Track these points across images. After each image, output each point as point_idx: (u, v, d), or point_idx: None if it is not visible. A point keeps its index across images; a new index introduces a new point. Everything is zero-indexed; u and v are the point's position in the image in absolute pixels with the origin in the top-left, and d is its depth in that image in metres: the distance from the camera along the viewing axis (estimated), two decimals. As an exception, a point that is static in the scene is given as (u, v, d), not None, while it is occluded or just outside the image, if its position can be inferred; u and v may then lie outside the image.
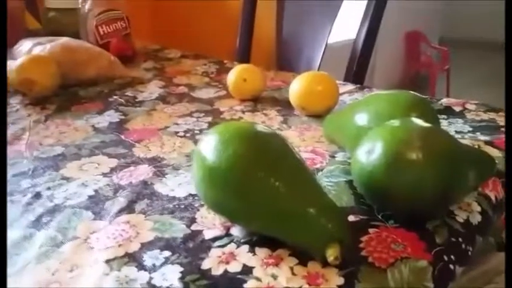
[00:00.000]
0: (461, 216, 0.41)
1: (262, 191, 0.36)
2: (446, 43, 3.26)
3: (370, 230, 0.38)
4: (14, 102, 0.74)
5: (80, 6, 0.99)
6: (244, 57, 1.22)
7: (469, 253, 0.39)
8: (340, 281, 0.33)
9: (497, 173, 0.47)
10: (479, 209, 0.42)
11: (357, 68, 1.06)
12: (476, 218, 0.41)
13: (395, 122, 0.41)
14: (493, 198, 0.45)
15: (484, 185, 0.45)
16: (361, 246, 0.36)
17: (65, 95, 0.78)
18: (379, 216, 0.40)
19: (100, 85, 0.82)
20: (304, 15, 1.18)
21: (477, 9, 3.97)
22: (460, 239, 0.39)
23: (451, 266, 0.36)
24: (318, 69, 1.12)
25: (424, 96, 0.69)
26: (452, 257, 0.37)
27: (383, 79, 2.66)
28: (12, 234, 0.40)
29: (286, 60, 1.21)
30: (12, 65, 0.75)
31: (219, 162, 0.37)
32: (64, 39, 0.86)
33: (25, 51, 0.84)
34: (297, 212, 0.35)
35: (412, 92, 0.50)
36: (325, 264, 0.34)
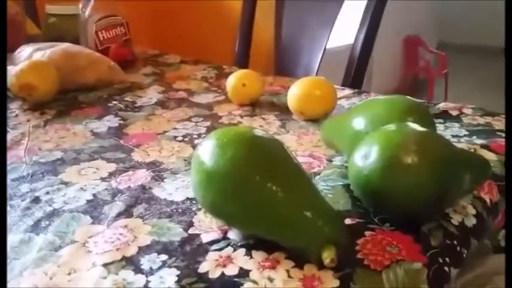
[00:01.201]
0: (456, 219, 0.41)
1: (259, 194, 0.36)
2: (444, 48, 3.28)
3: (366, 233, 0.39)
4: (13, 107, 0.74)
5: (79, 12, 1.00)
6: (243, 62, 1.23)
7: (464, 255, 0.39)
8: (336, 283, 0.33)
9: (492, 176, 0.47)
10: (474, 211, 0.43)
11: (355, 72, 1.07)
12: (471, 221, 0.42)
13: (391, 127, 0.41)
14: (488, 201, 0.45)
15: (479, 188, 0.45)
16: (357, 249, 0.37)
17: (64, 100, 0.78)
18: (375, 219, 0.40)
19: (99, 90, 0.83)
20: (302, 21, 1.19)
21: (475, 15, 3.99)
22: (455, 242, 0.39)
23: (446, 268, 0.36)
24: (316, 74, 1.13)
25: (420, 101, 0.70)
26: (447, 259, 0.37)
27: (381, 83, 2.67)
28: (11, 238, 0.40)
29: (284, 65, 1.21)
30: (12, 70, 0.76)
31: (217, 167, 0.38)
32: (64, 45, 0.87)
33: (25, 56, 0.85)
34: (293, 216, 0.35)
35: (408, 96, 0.51)
36: (321, 266, 0.34)
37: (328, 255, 0.33)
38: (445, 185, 0.38)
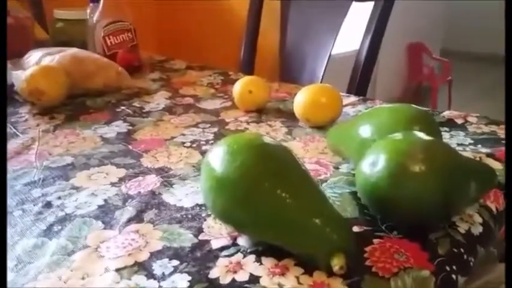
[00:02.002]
0: (463, 227, 0.42)
1: (268, 201, 0.37)
2: (448, 55, 3.28)
3: (374, 241, 0.39)
4: (23, 112, 0.75)
5: (87, 17, 1.01)
6: (248, 68, 1.24)
7: (471, 263, 0.39)
8: (345, 290, 0.34)
9: (498, 185, 0.48)
10: (480, 220, 0.43)
11: (360, 79, 1.08)
12: (477, 229, 0.42)
13: (398, 135, 0.42)
14: (494, 209, 0.46)
15: (485, 196, 0.46)
16: (366, 256, 0.37)
17: (73, 105, 0.79)
18: (383, 227, 0.41)
19: (107, 95, 0.84)
20: (307, 27, 1.20)
21: (479, 22, 4.00)
22: (462, 250, 0.39)
23: (454, 276, 0.37)
24: (321, 81, 1.13)
25: (426, 109, 0.71)
26: (454, 267, 0.37)
27: (385, 90, 2.68)
28: (25, 242, 0.41)
29: (289, 72, 1.22)
30: (21, 75, 0.77)
31: (227, 173, 0.38)
32: (73, 50, 0.88)
33: (34, 61, 0.86)
34: (302, 222, 0.36)
35: (414, 105, 0.51)
36: (330, 273, 0.35)
37: (337, 263, 0.34)
38: (451, 193, 0.39)
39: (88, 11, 1.02)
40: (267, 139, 0.41)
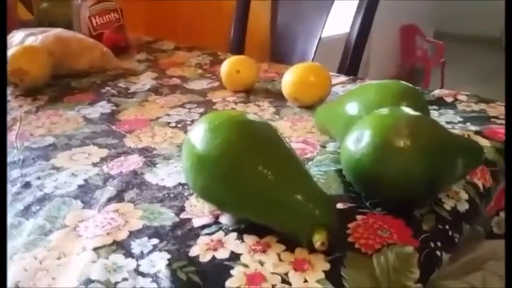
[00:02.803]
0: (448, 204, 0.41)
1: (250, 178, 0.36)
2: (441, 37, 3.27)
3: (358, 217, 0.39)
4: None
5: (72, -3, 0.99)
6: (239, 49, 1.22)
7: (456, 240, 0.39)
8: (326, 266, 0.33)
9: (485, 162, 0.47)
10: (466, 197, 0.43)
11: (351, 61, 1.06)
12: (463, 206, 0.42)
13: (384, 110, 0.41)
14: (480, 186, 0.45)
15: (472, 173, 0.45)
16: (348, 233, 0.37)
17: (57, 86, 0.77)
18: (367, 204, 0.40)
19: (92, 76, 0.82)
20: (298, 8, 1.18)
21: (472, 4, 3.97)
22: (447, 226, 0.39)
23: (438, 253, 0.36)
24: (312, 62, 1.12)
25: (415, 87, 0.70)
26: (438, 243, 0.37)
27: (378, 73, 2.67)
28: (1, 222, 0.40)
29: (280, 53, 1.21)
30: (3, 55, 0.75)
31: (208, 150, 0.37)
32: (57, 30, 0.86)
33: (17, 42, 0.84)
34: (284, 199, 0.35)
35: (402, 81, 0.50)
36: (312, 250, 0.34)
37: (318, 239, 0.33)
38: (437, 169, 0.38)
39: (73, -10, 0.99)
40: (249, 116, 0.40)
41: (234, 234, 0.37)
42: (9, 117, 0.64)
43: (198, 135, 0.39)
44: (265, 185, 0.35)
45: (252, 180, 0.36)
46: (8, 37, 0.87)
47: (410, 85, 0.50)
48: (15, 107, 0.69)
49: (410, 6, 2.99)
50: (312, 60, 1.12)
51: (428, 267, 0.35)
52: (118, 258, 0.35)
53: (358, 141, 0.39)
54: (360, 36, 1.05)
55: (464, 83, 3.00)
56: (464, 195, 0.43)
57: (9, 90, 0.75)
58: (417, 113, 0.40)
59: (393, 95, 0.47)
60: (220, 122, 0.39)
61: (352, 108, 0.49)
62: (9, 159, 0.52)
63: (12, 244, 0.37)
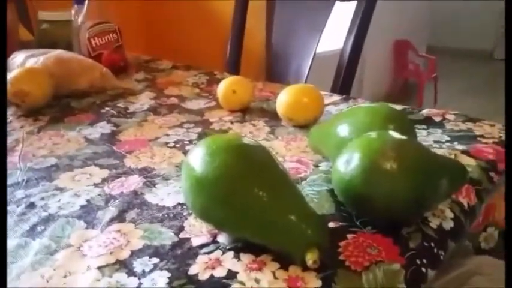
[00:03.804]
0: (434, 222, 0.43)
1: (246, 199, 0.38)
2: (434, 52, 3.32)
3: (349, 236, 0.41)
4: (7, 114, 0.76)
5: (72, 18, 1.02)
6: (235, 67, 1.25)
7: (441, 257, 0.41)
8: (318, 283, 0.35)
9: (470, 181, 0.50)
10: (452, 215, 0.45)
11: (344, 77, 1.09)
12: (449, 224, 0.44)
13: (372, 134, 0.43)
14: (465, 204, 0.47)
15: (457, 192, 0.47)
16: (339, 251, 0.39)
17: (57, 106, 0.79)
18: (358, 223, 0.42)
19: (92, 96, 0.84)
20: (292, 26, 1.21)
21: (464, 18, 4.04)
22: (433, 244, 0.41)
23: (423, 269, 0.38)
24: (306, 79, 1.15)
25: (406, 107, 0.72)
26: (424, 260, 0.39)
27: (372, 88, 2.70)
28: (8, 243, 0.42)
29: (275, 71, 1.23)
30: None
31: (206, 173, 0.39)
32: (57, 52, 0.88)
33: (18, 63, 0.86)
34: (279, 219, 0.37)
35: (390, 104, 0.53)
36: (305, 268, 0.36)
37: (311, 257, 0.35)
38: (422, 189, 0.40)
39: (73, 12, 1.02)
40: (245, 139, 0.42)
41: (231, 253, 0.39)
42: (11, 138, 0.66)
43: (197, 159, 0.41)
44: (260, 206, 0.37)
45: (247, 201, 0.38)
46: (10, 58, 0.90)
47: (397, 108, 0.53)
48: (17, 128, 0.71)
49: (402, 22, 3.05)
50: (307, 77, 1.15)
51: (414, 283, 0.37)
52: (121, 276, 0.37)
53: (348, 163, 0.42)
54: (353, 52, 1.08)
55: (457, 96, 3.05)
56: (449, 214, 0.45)
57: (11, 110, 0.77)
58: (403, 137, 0.43)
59: (381, 118, 0.49)
60: (218, 147, 0.41)
61: (343, 130, 0.51)
62: (13, 180, 0.54)
63: (20, 264, 0.39)
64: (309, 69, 1.16)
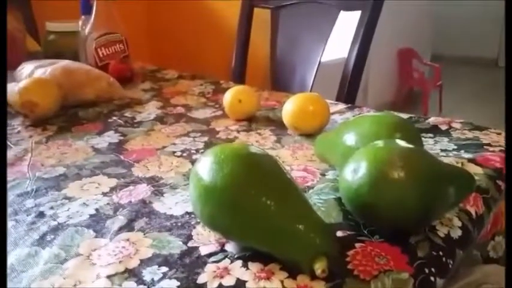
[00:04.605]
0: (442, 231, 0.43)
1: (254, 208, 0.38)
2: (438, 60, 3.32)
3: (357, 245, 0.41)
4: (15, 124, 0.77)
5: (79, 29, 1.03)
6: (240, 77, 1.26)
7: (450, 266, 0.41)
8: (327, 292, 0.35)
9: (477, 189, 0.50)
10: (459, 224, 0.45)
11: (349, 86, 1.10)
12: (456, 233, 0.44)
13: (379, 143, 0.44)
14: (473, 213, 0.47)
15: (465, 201, 0.47)
16: (348, 260, 0.39)
17: (65, 116, 0.80)
18: (365, 232, 0.43)
19: (99, 106, 0.85)
20: (297, 36, 1.22)
21: (468, 26, 4.05)
22: (441, 253, 0.41)
23: (432, 278, 0.38)
24: (311, 88, 1.15)
25: (411, 115, 0.72)
26: (433, 269, 0.39)
27: (377, 96, 2.71)
28: (18, 252, 0.42)
29: (280, 80, 1.24)
30: (14, 87, 0.78)
31: (214, 182, 0.40)
32: (64, 62, 0.89)
33: (27, 74, 0.87)
34: (287, 228, 0.37)
35: (396, 113, 0.53)
36: (313, 277, 0.36)
37: (319, 266, 0.35)
38: (430, 198, 0.40)
39: (80, 23, 1.03)
40: (253, 148, 0.43)
41: (239, 262, 0.39)
42: (20, 148, 0.67)
43: (205, 168, 0.41)
44: (268, 215, 0.38)
45: (255, 210, 0.38)
46: (18, 69, 0.91)
47: (404, 117, 0.53)
48: (26, 137, 0.71)
49: (407, 31, 3.06)
50: (312, 86, 1.16)
51: (423, 293, 0.37)
52: (131, 285, 0.37)
53: (356, 172, 0.42)
54: (358, 61, 1.08)
55: (462, 104, 3.04)
56: (457, 222, 0.45)
57: (20, 120, 0.78)
58: (410, 146, 0.43)
59: (388, 127, 0.49)
60: (226, 156, 0.41)
61: (349, 139, 0.52)
62: (22, 189, 0.54)
63: (30, 273, 0.39)
64: (314, 78, 1.17)
